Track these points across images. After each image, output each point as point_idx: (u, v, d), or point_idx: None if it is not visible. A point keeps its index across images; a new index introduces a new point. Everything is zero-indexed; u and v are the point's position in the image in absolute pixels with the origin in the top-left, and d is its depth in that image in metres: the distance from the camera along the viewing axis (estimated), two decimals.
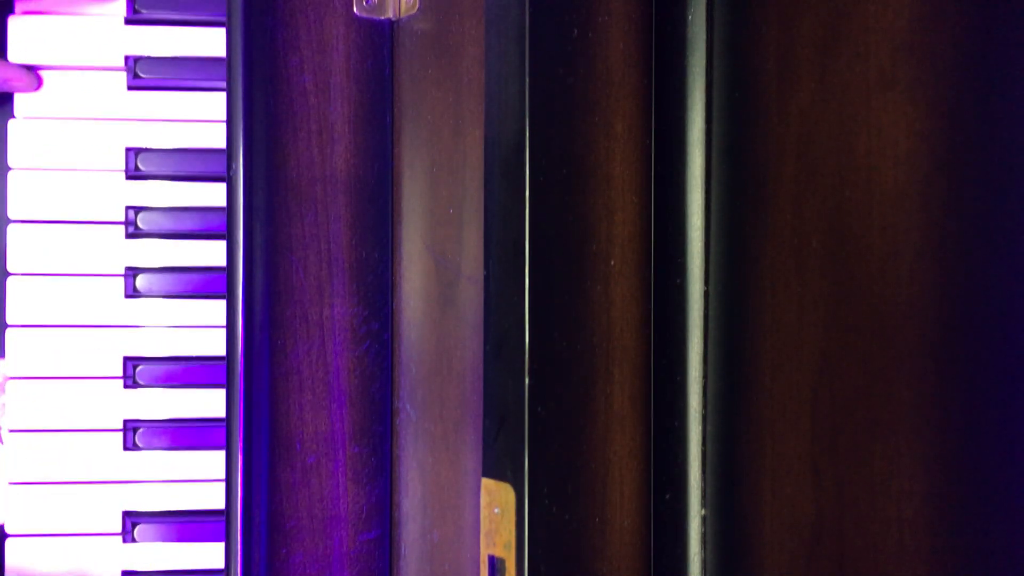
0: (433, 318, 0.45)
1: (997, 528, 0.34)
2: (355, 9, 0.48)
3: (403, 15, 0.48)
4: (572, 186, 0.36)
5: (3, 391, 0.57)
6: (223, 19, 0.53)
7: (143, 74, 0.57)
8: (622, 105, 0.38)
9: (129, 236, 0.57)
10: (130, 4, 0.57)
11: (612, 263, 0.37)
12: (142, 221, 0.57)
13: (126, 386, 0.56)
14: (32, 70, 0.56)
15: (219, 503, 0.56)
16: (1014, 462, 0.33)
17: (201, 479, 0.56)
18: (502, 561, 0.35)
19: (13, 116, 0.57)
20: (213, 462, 0.56)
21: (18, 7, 0.57)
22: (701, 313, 0.37)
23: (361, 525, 0.48)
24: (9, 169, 0.56)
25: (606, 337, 0.37)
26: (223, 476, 0.48)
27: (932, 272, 0.33)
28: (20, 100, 0.57)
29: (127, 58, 0.57)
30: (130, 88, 0.57)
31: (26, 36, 0.57)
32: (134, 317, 0.56)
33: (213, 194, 0.57)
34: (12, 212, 0.56)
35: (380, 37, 0.49)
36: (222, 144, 0.57)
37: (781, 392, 0.35)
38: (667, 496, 0.38)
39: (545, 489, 0.35)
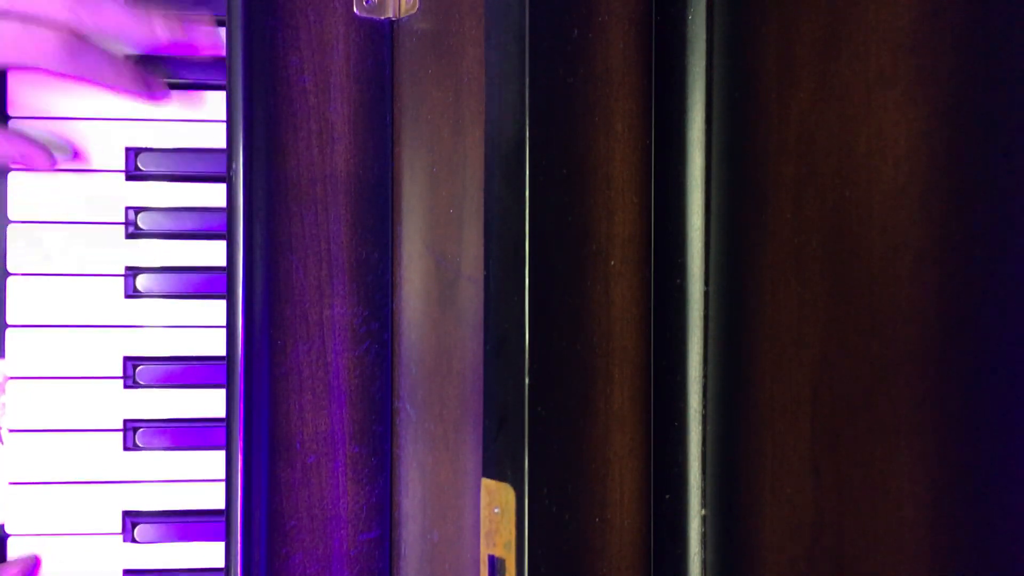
0: (433, 318, 0.45)
1: (997, 528, 0.34)
2: (355, 9, 0.48)
3: (403, 15, 0.48)
4: (572, 186, 0.36)
5: (3, 391, 0.57)
6: (223, 19, 0.53)
7: None
8: (622, 105, 0.38)
9: (129, 236, 0.57)
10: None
11: (612, 263, 0.37)
12: (142, 221, 0.57)
13: (126, 386, 0.56)
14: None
15: (219, 503, 0.56)
16: (1014, 462, 0.33)
17: (201, 479, 0.56)
18: (502, 561, 0.35)
19: (11, 116, 0.56)
20: (213, 462, 0.56)
21: None
22: (701, 313, 0.37)
23: (361, 525, 0.48)
24: (9, 169, 0.56)
25: (606, 337, 0.37)
26: (223, 476, 0.48)
27: (932, 272, 0.33)
28: (18, 100, 0.56)
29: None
30: None
31: None
32: (134, 317, 0.56)
33: (213, 194, 0.57)
34: (12, 212, 0.56)
35: (380, 37, 0.49)
36: (222, 144, 0.57)
37: (781, 392, 0.35)
38: (667, 496, 0.38)
39: (545, 489, 0.35)
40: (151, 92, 0.54)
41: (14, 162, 0.54)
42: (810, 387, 0.35)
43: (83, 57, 0.50)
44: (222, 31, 0.52)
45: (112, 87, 0.52)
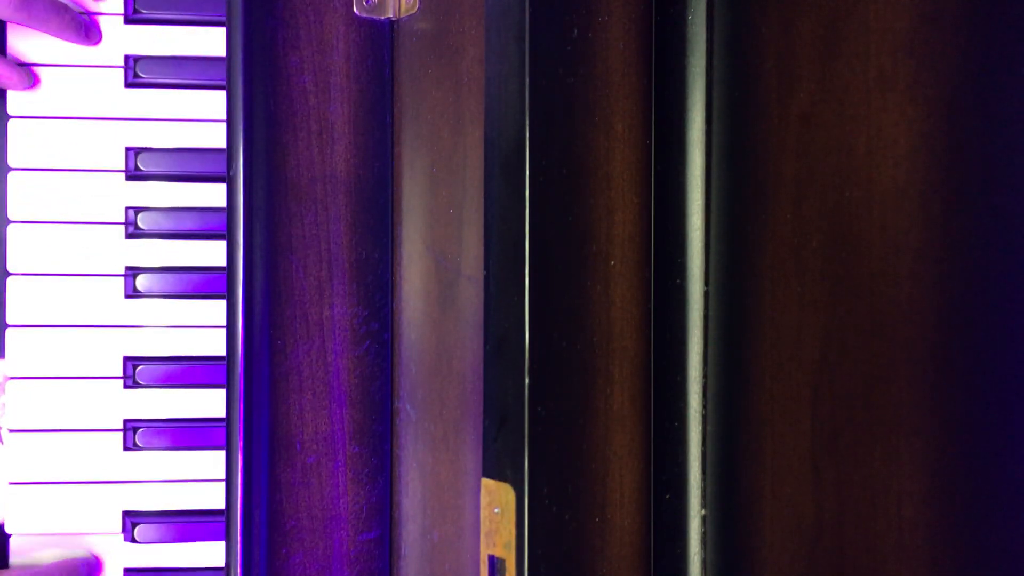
0: (433, 318, 0.45)
1: (997, 528, 0.34)
2: (355, 9, 0.48)
3: (403, 15, 0.48)
4: (572, 186, 0.36)
5: (3, 391, 0.57)
6: (223, 19, 0.53)
7: (143, 74, 0.57)
8: (622, 105, 0.38)
9: (129, 236, 0.57)
10: (129, 3, 0.57)
11: (612, 263, 0.37)
12: (142, 221, 0.57)
13: (126, 386, 0.56)
14: (27, 67, 0.57)
15: (219, 503, 0.56)
16: (1014, 462, 0.33)
17: (201, 479, 0.56)
18: (502, 561, 0.35)
19: (11, 116, 0.56)
20: (213, 462, 0.56)
21: None
22: (701, 313, 0.37)
23: (361, 525, 0.48)
24: (9, 169, 0.56)
25: (606, 337, 0.37)
26: (223, 476, 0.48)
27: (932, 272, 0.33)
28: (18, 99, 0.56)
29: (127, 57, 0.57)
30: (128, 86, 0.57)
31: (24, 33, 0.57)
32: (134, 317, 0.56)
33: (213, 194, 0.57)
34: (12, 212, 0.56)
35: (380, 37, 0.49)
36: (222, 144, 0.57)
37: (781, 392, 0.35)
38: (667, 496, 0.38)
39: (545, 489, 0.35)
40: (88, 37, 0.58)
41: None
42: (810, 387, 0.35)
43: (34, 8, 0.55)
44: None
45: (56, 34, 0.57)
